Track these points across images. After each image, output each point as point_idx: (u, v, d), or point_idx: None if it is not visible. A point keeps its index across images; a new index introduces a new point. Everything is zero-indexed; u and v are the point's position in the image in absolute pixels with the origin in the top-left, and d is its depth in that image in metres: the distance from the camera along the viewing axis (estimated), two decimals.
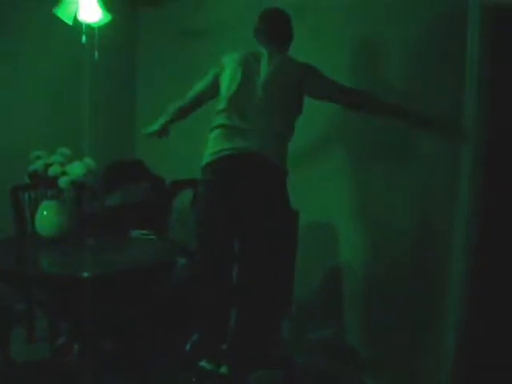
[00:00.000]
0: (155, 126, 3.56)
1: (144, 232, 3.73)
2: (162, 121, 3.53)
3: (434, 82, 3.17)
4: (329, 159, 3.69)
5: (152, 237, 3.70)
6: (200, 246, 3.09)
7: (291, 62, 3.11)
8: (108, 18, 3.61)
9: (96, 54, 4.52)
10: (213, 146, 3.02)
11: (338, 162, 3.65)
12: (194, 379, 3.05)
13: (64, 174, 3.42)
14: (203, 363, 3.02)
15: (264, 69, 3.03)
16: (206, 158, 3.03)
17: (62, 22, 3.47)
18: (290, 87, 3.05)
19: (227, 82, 3.07)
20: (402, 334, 3.41)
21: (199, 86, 3.33)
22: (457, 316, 3.17)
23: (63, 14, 3.47)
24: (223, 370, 3.00)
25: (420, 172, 3.27)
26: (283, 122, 3.07)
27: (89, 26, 3.70)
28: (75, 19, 3.51)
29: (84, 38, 4.12)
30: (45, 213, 3.50)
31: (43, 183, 3.52)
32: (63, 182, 3.39)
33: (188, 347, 3.08)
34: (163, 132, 3.55)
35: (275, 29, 3.18)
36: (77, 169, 3.40)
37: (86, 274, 3.02)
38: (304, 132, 3.57)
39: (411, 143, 3.29)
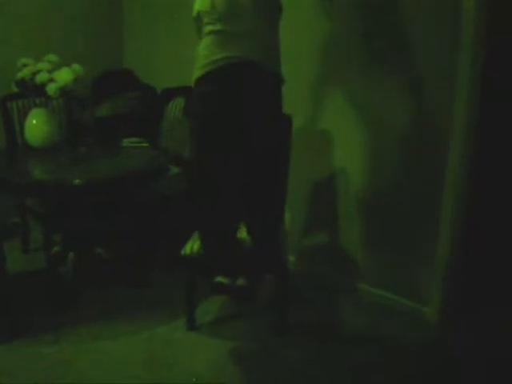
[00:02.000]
0: None
1: (135, 140, 3.70)
2: None
3: None
4: (323, 62, 3.59)
5: (144, 144, 3.67)
6: (197, 159, 3.04)
7: None
8: None
9: None
10: (206, 55, 2.91)
11: (333, 64, 3.55)
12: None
13: (52, 81, 3.35)
14: (219, 278, 3.04)
15: None
16: (201, 68, 2.93)
17: None
18: None
19: None
20: (398, 240, 3.42)
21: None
22: (453, 223, 3.19)
23: None
24: (240, 282, 3.04)
25: (418, 72, 3.18)
26: (273, 25, 2.97)
27: None
28: None
29: None
30: (34, 121, 3.47)
31: (31, 91, 3.45)
32: (51, 89, 3.33)
33: (182, 252, 3.10)
34: None
35: None
36: (65, 75, 3.34)
37: (77, 181, 3.01)
38: (297, 36, 3.49)
39: (408, 41, 3.18)
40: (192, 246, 3.10)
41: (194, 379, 2.87)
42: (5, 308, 3.24)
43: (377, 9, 3.30)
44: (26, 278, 3.72)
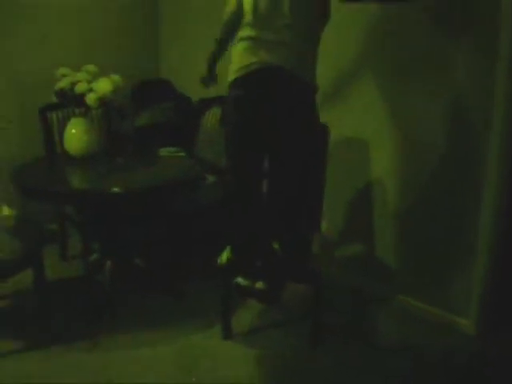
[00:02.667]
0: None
1: (172, 149, 3.72)
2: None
3: None
4: (361, 72, 3.58)
5: (180, 154, 3.69)
6: (231, 165, 3.06)
7: None
8: None
9: None
10: (240, 60, 2.93)
11: (371, 75, 3.54)
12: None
13: (91, 91, 3.39)
14: (239, 279, 3.06)
15: None
16: (233, 73, 2.95)
17: None
18: None
19: None
20: (434, 250, 3.39)
21: (230, 8, 3.16)
22: (491, 233, 3.14)
23: None
24: (259, 285, 3.04)
25: (457, 83, 3.15)
26: (311, 35, 2.97)
27: None
28: None
29: None
30: (73, 131, 3.51)
31: (70, 101, 3.50)
32: (91, 98, 3.37)
33: (219, 262, 3.11)
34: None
35: None
36: (104, 85, 3.38)
37: (115, 189, 3.04)
38: (334, 46, 3.49)
39: (448, 54, 3.15)
40: (228, 254, 3.12)
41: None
42: (42, 314, 3.29)
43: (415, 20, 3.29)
44: (63, 284, 3.77)
